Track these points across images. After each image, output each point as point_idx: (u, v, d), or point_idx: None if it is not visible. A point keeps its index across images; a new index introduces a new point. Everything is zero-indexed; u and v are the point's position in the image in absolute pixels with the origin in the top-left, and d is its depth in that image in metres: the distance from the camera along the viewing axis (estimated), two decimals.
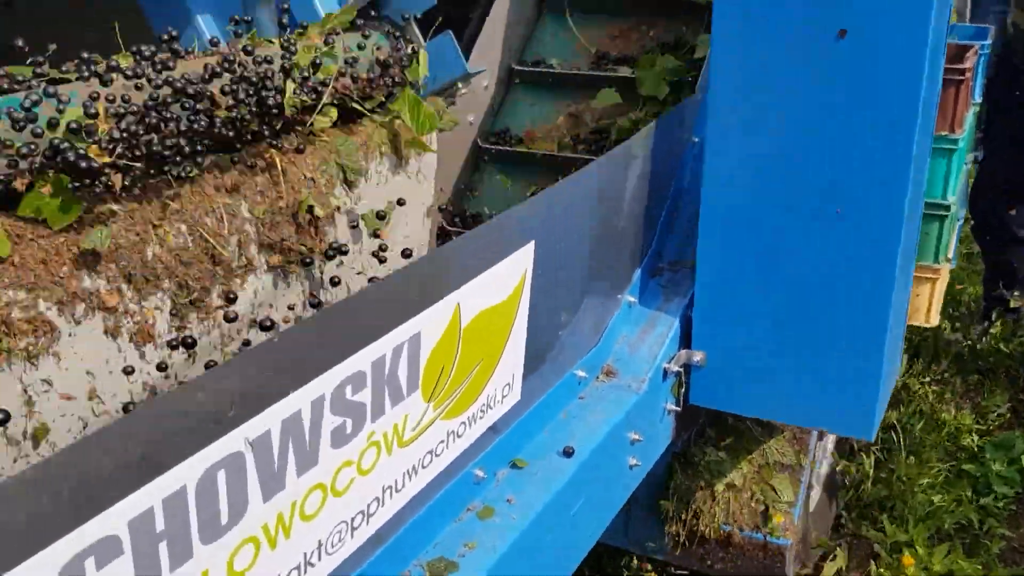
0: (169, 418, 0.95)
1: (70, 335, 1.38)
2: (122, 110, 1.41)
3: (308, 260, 1.76)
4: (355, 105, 1.94)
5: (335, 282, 1.84)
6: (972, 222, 3.99)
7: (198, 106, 1.54)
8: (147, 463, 0.92)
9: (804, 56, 1.92)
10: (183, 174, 1.51)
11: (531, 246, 1.64)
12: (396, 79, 2.26)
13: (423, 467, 1.50)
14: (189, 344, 1.52)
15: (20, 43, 1.44)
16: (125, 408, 1.47)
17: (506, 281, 1.59)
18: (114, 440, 0.88)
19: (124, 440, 0.89)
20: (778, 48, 1.93)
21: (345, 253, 1.84)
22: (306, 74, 1.78)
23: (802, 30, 1.90)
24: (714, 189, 2.12)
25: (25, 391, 1.34)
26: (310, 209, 1.76)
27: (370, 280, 1.93)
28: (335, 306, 1.22)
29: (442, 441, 1.54)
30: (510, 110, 3.10)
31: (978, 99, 3.20)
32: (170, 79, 1.50)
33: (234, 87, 1.60)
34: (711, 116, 2.06)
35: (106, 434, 0.87)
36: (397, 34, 2.24)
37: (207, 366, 1.56)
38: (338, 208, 1.85)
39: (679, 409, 2.27)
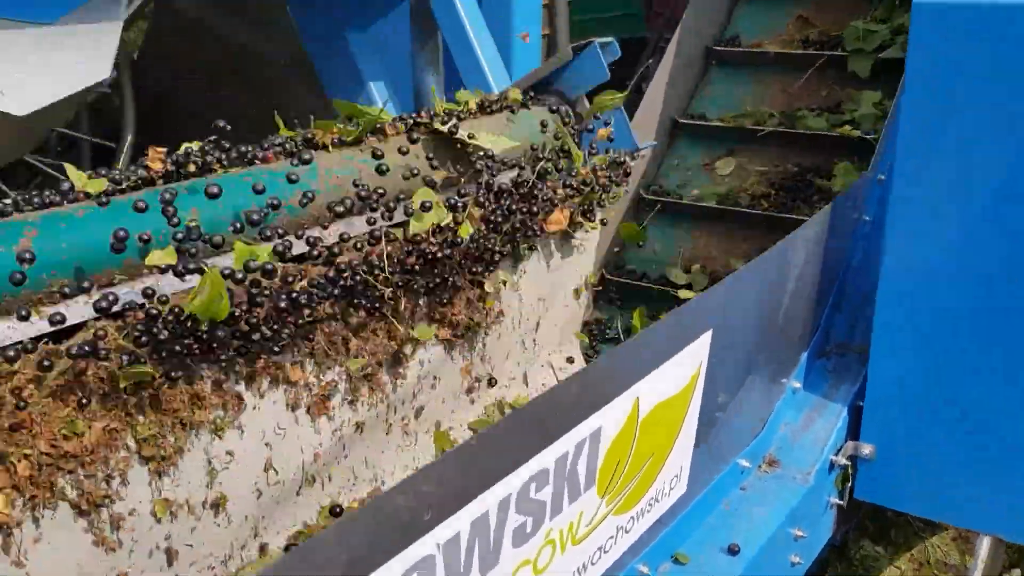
0: (373, 523, 0.94)
1: (254, 408, 1.40)
2: None
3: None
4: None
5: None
6: None
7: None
8: (353, 569, 0.91)
9: (1007, 138, 1.79)
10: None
11: (708, 335, 1.57)
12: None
13: (592, 564, 1.45)
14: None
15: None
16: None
17: (684, 371, 1.52)
18: (327, 547, 0.87)
19: (336, 547, 0.88)
20: (980, 128, 1.81)
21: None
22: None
23: (1007, 110, 1.78)
24: (895, 273, 2.00)
25: (209, 462, 1.36)
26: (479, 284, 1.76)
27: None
28: (526, 406, 1.19)
29: (611, 537, 1.48)
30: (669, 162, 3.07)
31: None
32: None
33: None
34: (895, 196, 1.95)
35: (320, 541, 0.86)
36: (569, 111, 2.23)
37: None
38: (504, 283, 1.84)
39: (843, 503, 2.14)
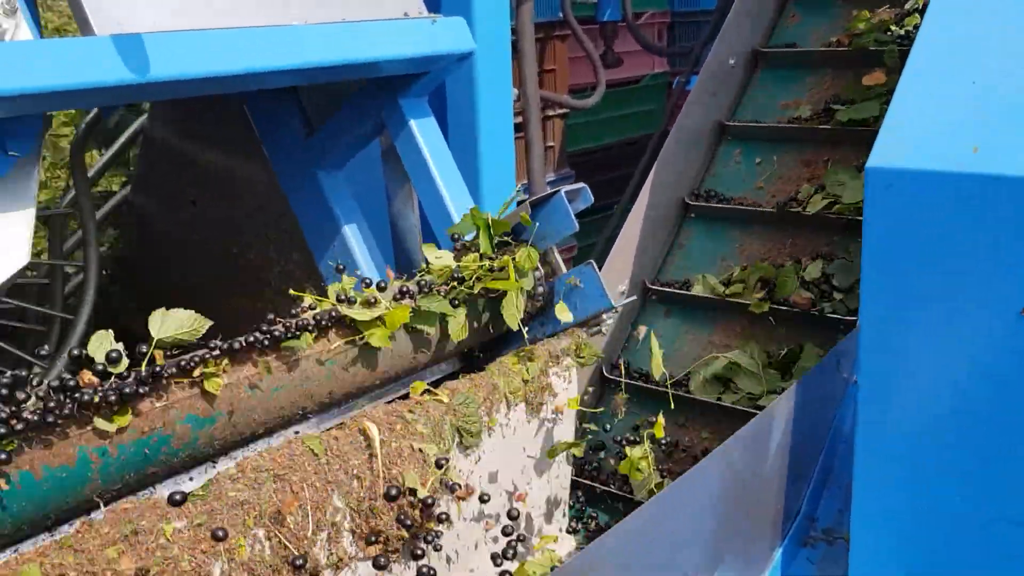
0: None
1: None
2: None
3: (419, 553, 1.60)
4: None
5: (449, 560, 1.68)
6: None
7: None
8: None
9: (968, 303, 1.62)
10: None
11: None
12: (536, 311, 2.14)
13: None
14: None
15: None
16: None
17: None
18: None
19: None
20: (941, 289, 1.65)
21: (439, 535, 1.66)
22: None
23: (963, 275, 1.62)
24: (871, 443, 1.81)
25: None
26: (412, 492, 1.60)
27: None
28: None
29: None
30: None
31: None
32: None
33: None
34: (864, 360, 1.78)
35: None
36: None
37: None
38: (451, 486, 1.69)
39: None
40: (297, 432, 1.68)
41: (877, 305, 1.74)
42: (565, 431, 2.09)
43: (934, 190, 1.58)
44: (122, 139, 3.46)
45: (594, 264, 2.12)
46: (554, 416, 2.04)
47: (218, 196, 3.03)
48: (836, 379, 2.12)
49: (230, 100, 2.80)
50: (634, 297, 2.74)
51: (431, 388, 1.76)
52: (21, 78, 1.51)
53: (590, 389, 2.80)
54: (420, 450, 1.64)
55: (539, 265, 2.07)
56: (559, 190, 2.09)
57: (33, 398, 1.26)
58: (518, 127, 3.57)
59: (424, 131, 2.30)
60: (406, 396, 1.79)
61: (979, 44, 1.75)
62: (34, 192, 1.58)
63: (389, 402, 1.76)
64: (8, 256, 1.55)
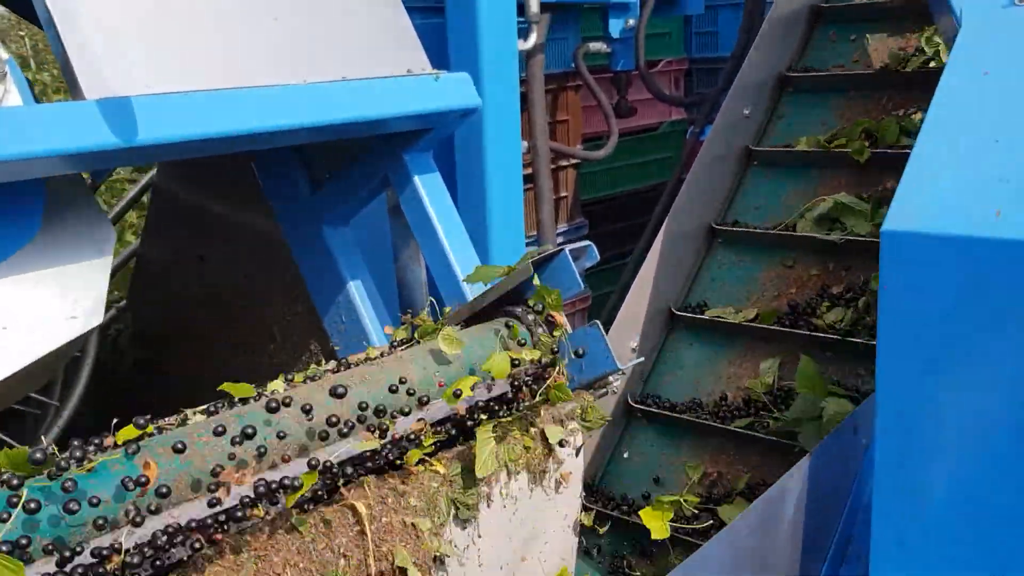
0: None
1: None
2: None
3: None
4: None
5: None
6: None
7: None
8: None
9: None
10: None
11: None
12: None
13: None
14: None
15: None
16: None
17: None
18: None
19: None
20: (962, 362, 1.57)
21: None
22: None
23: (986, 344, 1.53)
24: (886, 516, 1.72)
25: None
26: (403, 572, 1.53)
27: None
28: None
29: None
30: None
31: None
32: None
33: None
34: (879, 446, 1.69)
35: None
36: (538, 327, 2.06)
37: None
38: (441, 559, 1.61)
39: None
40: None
41: (895, 371, 1.66)
42: (571, 499, 2.01)
43: (954, 255, 1.51)
44: (132, 192, 3.46)
45: (599, 325, 2.05)
46: (559, 483, 1.96)
47: (225, 250, 3.01)
48: (854, 445, 2.03)
49: (237, 155, 2.79)
50: (642, 359, 2.68)
51: (426, 458, 1.69)
52: (11, 145, 1.48)
53: (610, 418, 2.73)
54: (413, 525, 1.57)
55: (543, 326, 2.01)
56: (563, 248, 2.03)
57: None
58: (528, 178, 3.54)
59: (428, 187, 2.26)
60: (399, 462, 1.72)
61: (1004, 99, 1.69)
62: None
63: (382, 470, 1.69)
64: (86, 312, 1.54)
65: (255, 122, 1.92)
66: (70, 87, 1.55)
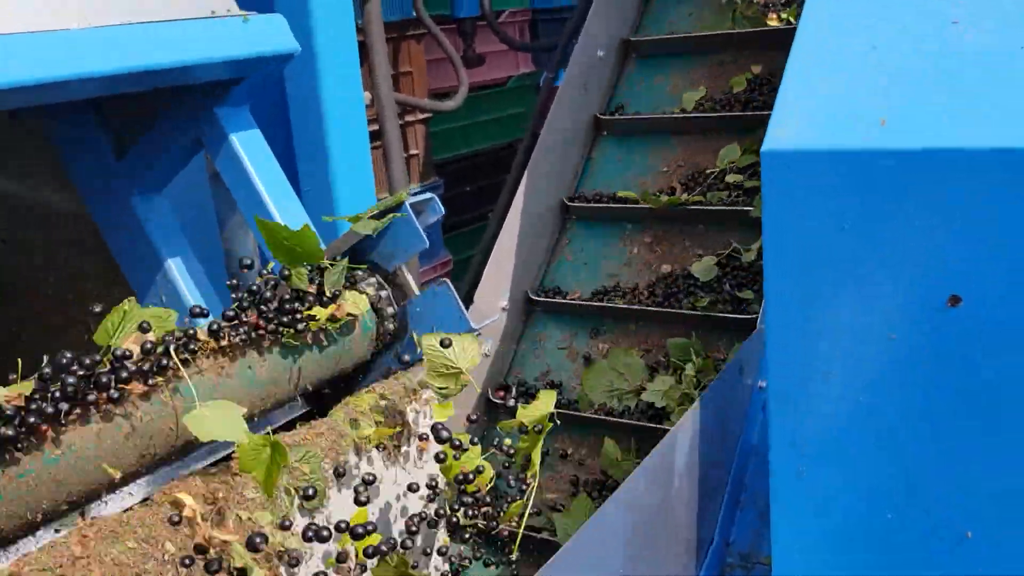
0: None
1: None
2: None
3: None
4: None
5: None
6: None
7: None
8: None
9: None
10: None
11: None
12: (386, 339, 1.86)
13: None
14: None
15: None
16: None
17: None
18: None
19: None
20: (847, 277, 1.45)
21: None
22: None
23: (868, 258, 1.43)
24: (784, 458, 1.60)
25: None
26: (242, 573, 1.29)
27: None
28: None
29: None
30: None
31: None
32: None
33: None
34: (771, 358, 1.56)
35: None
36: (385, 285, 1.84)
37: None
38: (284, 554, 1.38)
39: None
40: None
41: (783, 303, 1.52)
42: (431, 473, 1.80)
43: (840, 172, 1.37)
44: None
45: (449, 283, 1.85)
46: (416, 457, 1.75)
47: (28, 232, 2.61)
48: (740, 388, 1.91)
49: (27, 124, 2.40)
50: (496, 318, 2.51)
51: None
52: None
53: (473, 418, 2.52)
54: (251, 520, 1.33)
55: (386, 285, 1.79)
56: (403, 202, 1.82)
57: None
58: (374, 135, 3.26)
59: (247, 144, 1.97)
60: (229, 457, 1.47)
61: (878, 2, 1.56)
62: None
63: (208, 467, 1.44)
64: None
65: (29, 72, 1.59)
66: None
